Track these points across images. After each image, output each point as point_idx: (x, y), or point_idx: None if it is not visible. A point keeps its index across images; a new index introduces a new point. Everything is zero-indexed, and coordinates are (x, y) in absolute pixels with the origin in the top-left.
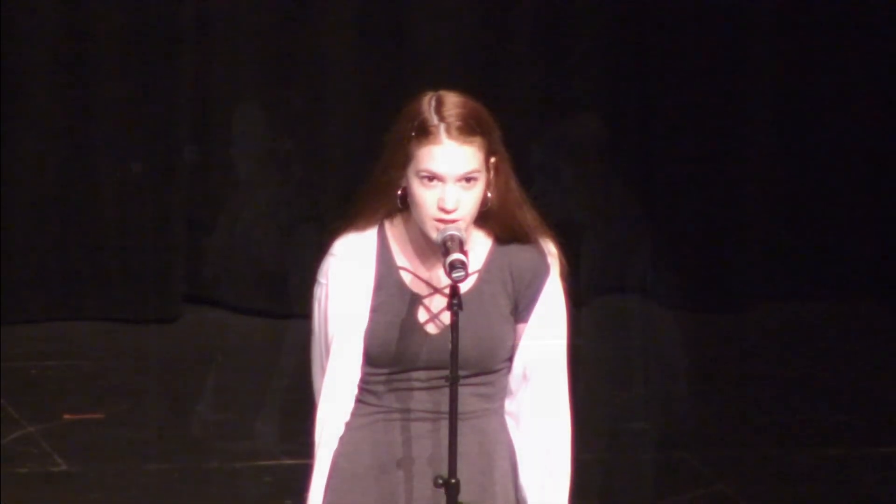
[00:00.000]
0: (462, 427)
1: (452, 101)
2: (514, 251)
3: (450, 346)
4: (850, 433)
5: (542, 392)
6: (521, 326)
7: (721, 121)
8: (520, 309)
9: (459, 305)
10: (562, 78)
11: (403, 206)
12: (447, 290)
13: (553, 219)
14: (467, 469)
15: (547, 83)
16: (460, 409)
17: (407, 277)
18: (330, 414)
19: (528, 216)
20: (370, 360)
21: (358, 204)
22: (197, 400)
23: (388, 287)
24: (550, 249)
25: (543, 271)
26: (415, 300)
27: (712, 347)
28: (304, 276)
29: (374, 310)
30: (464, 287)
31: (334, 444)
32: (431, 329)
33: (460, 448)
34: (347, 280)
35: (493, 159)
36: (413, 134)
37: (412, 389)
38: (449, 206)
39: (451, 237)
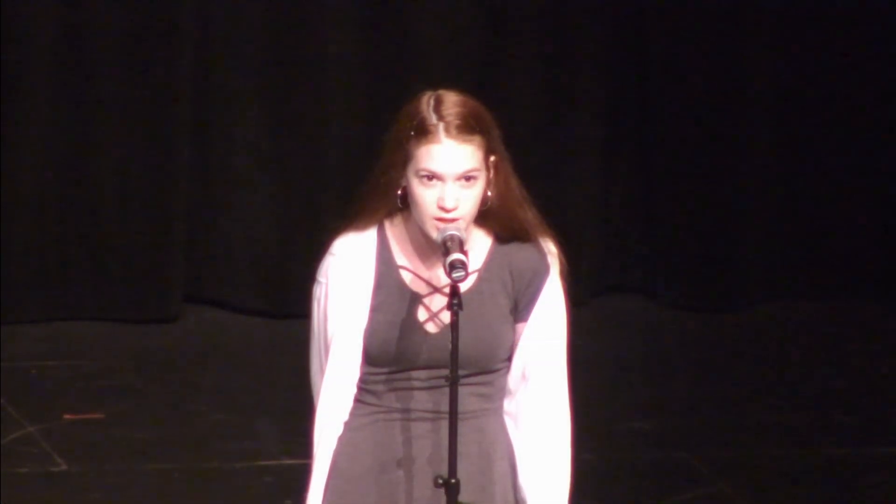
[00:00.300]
0: (461, 427)
1: (451, 100)
2: (514, 250)
3: (450, 345)
4: (850, 433)
5: (542, 392)
6: (520, 326)
7: (721, 121)
8: (519, 308)
9: (459, 305)
10: (562, 77)
11: (403, 205)
12: (447, 290)
13: (553, 218)
14: (466, 469)
15: (547, 83)
16: (459, 408)
17: (407, 276)
18: (329, 413)
19: (529, 215)
20: (370, 359)
21: (358, 204)
22: (197, 400)
23: (388, 286)
24: (550, 249)
25: (543, 271)
26: (415, 299)
27: (712, 347)
28: (304, 276)
29: (374, 309)
30: (463, 286)
31: (333, 444)
32: (431, 328)
33: (459, 448)
34: (347, 279)
35: (492, 158)
36: (412, 133)
37: (412, 389)
38: (448, 206)
39: (451, 237)
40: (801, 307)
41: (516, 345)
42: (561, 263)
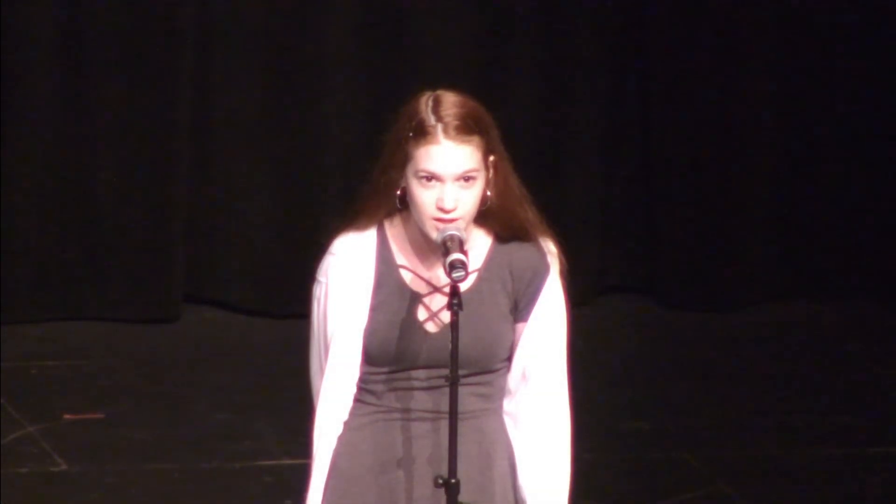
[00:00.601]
0: (461, 427)
1: (450, 100)
2: (514, 250)
3: (449, 345)
4: (850, 433)
5: (542, 392)
6: (520, 326)
7: (721, 120)
8: (519, 308)
9: (459, 305)
10: (562, 77)
11: (403, 206)
12: (447, 289)
13: (552, 218)
14: (466, 469)
15: (547, 82)
16: (459, 408)
17: (407, 276)
18: (329, 413)
19: (528, 215)
20: (370, 358)
21: (358, 204)
22: (197, 400)
23: (388, 286)
24: (550, 248)
25: (543, 270)
26: (415, 299)
27: (712, 347)
28: (304, 276)
29: (374, 308)
30: (463, 286)
31: (333, 444)
32: (431, 328)
33: (459, 448)
34: (347, 278)
35: (491, 158)
36: (411, 134)
37: (412, 389)
38: (448, 206)
39: (451, 237)
40: (801, 307)
41: (516, 344)
42: (561, 263)
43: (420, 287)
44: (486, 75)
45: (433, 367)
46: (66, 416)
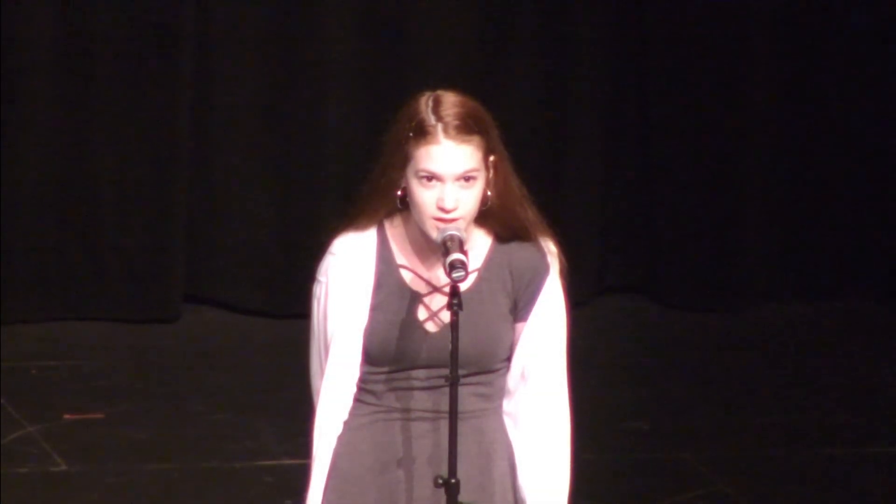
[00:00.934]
0: (460, 427)
1: (450, 100)
2: (514, 250)
3: (449, 344)
4: (850, 433)
5: (541, 392)
6: (519, 325)
7: (721, 120)
8: (519, 308)
9: (459, 305)
10: (562, 77)
11: (403, 206)
12: (447, 289)
13: (552, 218)
14: (466, 469)
15: (547, 82)
16: (459, 408)
17: (407, 276)
18: (329, 413)
19: (528, 214)
20: (370, 358)
21: (358, 204)
22: (197, 400)
23: (388, 285)
24: (550, 248)
25: (543, 270)
26: (415, 299)
27: (712, 347)
28: (305, 276)
29: (374, 308)
30: (463, 286)
31: (333, 444)
32: (431, 327)
33: (459, 448)
34: (347, 278)
35: (491, 158)
36: (411, 134)
37: (412, 389)
38: (448, 206)
39: (451, 237)
40: (800, 307)
41: (515, 344)
42: (561, 263)
43: (420, 287)
44: (486, 75)
45: (433, 367)
46: (66, 416)
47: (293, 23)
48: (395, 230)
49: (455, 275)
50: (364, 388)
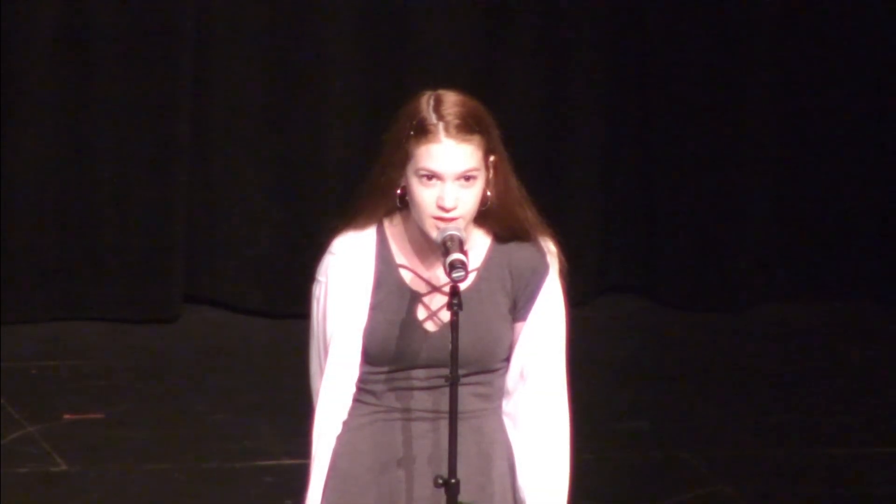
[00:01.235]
0: (460, 427)
1: (451, 99)
2: (514, 249)
3: (449, 344)
4: (850, 433)
5: (540, 392)
6: (519, 325)
7: (721, 120)
8: (518, 307)
9: (459, 305)
10: (562, 77)
11: (403, 205)
12: (446, 289)
13: (552, 218)
14: (465, 469)
15: (547, 82)
16: (459, 408)
17: (406, 275)
18: (329, 413)
19: (528, 214)
20: (369, 358)
21: (357, 203)
22: (197, 400)
23: (388, 285)
24: (550, 248)
25: (542, 270)
26: (414, 298)
27: (712, 347)
28: (304, 276)
29: (374, 308)
30: (463, 285)
31: (332, 444)
32: (430, 327)
33: (458, 448)
34: (346, 278)
35: (492, 158)
36: (411, 133)
37: (411, 389)
38: (448, 205)
39: (451, 237)
40: (801, 307)
41: (515, 344)
42: (560, 263)
43: (420, 286)
44: (486, 75)
45: (433, 367)
46: (66, 416)
47: (293, 23)
48: (394, 229)
49: (455, 275)
50: (363, 388)
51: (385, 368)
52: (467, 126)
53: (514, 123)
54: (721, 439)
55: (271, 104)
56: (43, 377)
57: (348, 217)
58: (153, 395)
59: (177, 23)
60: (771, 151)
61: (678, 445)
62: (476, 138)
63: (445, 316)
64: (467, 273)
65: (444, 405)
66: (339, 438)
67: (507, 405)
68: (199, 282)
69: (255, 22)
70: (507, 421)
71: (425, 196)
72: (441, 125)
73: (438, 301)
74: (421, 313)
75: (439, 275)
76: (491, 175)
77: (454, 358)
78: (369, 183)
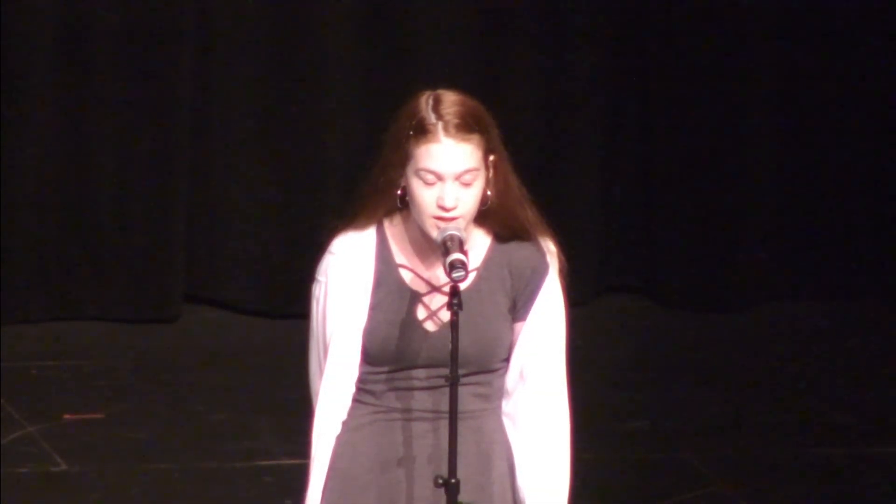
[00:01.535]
0: (460, 427)
1: (450, 99)
2: (514, 249)
3: (449, 344)
4: (850, 433)
5: (540, 392)
6: (518, 325)
7: (721, 120)
8: (518, 307)
9: (459, 305)
10: (562, 77)
11: (403, 205)
12: (446, 289)
13: (552, 218)
14: (465, 469)
15: (547, 82)
16: (458, 408)
17: (406, 275)
18: (328, 414)
19: (528, 214)
20: (369, 358)
21: (357, 203)
22: (197, 400)
23: (388, 285)
24: (550, 248)
25: (542, 269)
26: (414, 298)
27: (712, 347)
28: (304, 276)
29: (374, 307)
30: (462, 285)
31: (332, 444)
32: (430, 327)
33: (458, 448)
34: (346, 278)
35: (491, 157)
36: (411, 133)
37: (411, 388)
38: (448, 205)
39: (451, 237)
40: (801, 307)
41: (514, 344)
42: (560, 262)
43: (419, 286)
44: (485, 75)
45: (432, 367)
46: (66, 416)
47: (293, 22)
48: (394, 229)
49: (455, 275)
50: (363, 389)
51: (385, 368)
52: (467, 125)
53: (513, 123)
54: (721, 439)
55: (271, 104)
56: (43, 377)
57: (348, 217)
58: (153, 395)
59: (177, 23)
60: (772, 150)
61: (678, 445)
62: (476, 138)
63: (445, 316)
64: (467, 273)
65: (444, 405)
66: (339, 439)
67: (507, 405)
68: (199, 282)
69: (256, 22)
70: (506, 421)
71: (425, 196)
72: (440, 125)
73: (438, 301)
74: (421, 313)
75: (439, 275)
76: (491, 174)
77: (454, 358)
78: (369, 183)
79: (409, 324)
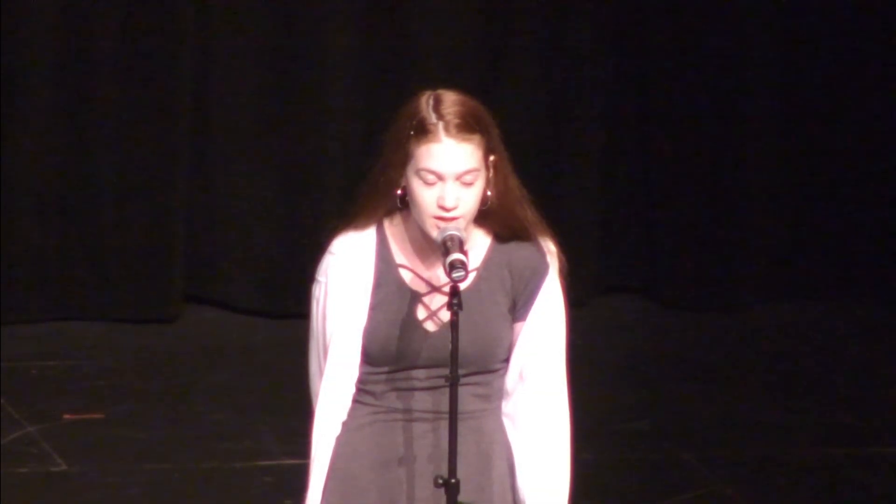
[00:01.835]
0: (460, 427)
1: (451, 99)
2: (514, 249)
3: (449, 344)
4: (850, 433)
5: (540, 392)
6: (518, 325)
7: (721, 121)
8: (518, 307)
9: (459, 305)
10: (562, 77)
11: (403, 205)
12: (446, 289)
13: (552, 218)
14: (465, 469)
15: (547, 83)
16: (458, 408)
17: (406, 275)
18: (328, 414)
19: (528, 214)
20: (369, 358)
21: (357, 203)
22: (197, 400)
23: (388, 285)
24: (550, 248)
25: (542, 269)
26: (414, 298)
27: (712, 347)
28: (304, 276)
29: (374, 307)
30: (462, 285)
31: (332, 445)
32: (430, 327)
33: (458, 448)
34: (346, 278)
35: (492, 157)
36: (412, 133)
37: (411, 389)
38: (448, 205)
39: (451, 237)
40: (801, 307)
41: (514, 344)
42: (560, 262)
43: (419, 286)
44: (486, 76)
45: (433, 367)
46: (66, 416)
47: (293, 22)
48: (394, 229)
49: (455, 275)
50: (363, 389)
51: (385, 369)
52: (467, 125)
53: (514, 123)
54: (721, 439)
55: (271, 105)
56: (43, 377)
57: (348, 217)
58: (153, 395)
59: (177, 23)
60: (771, 151)
61: (678, 445)
62: (476, 138)
63: (445, 316)
64: (467, 273)
65: (444, 405)
66: (339, 439)
67: (507, 406)
68: (199, 282)
69: (256, 22)
70: (506, 421)
71: (426, 196)
72: (441, 125)
73: (438, 301)
74: (421, 313)
75: (439, 275)
76: (491, 174)
77: (454, 358)
78: (369, 183)
79: (409, 324)
